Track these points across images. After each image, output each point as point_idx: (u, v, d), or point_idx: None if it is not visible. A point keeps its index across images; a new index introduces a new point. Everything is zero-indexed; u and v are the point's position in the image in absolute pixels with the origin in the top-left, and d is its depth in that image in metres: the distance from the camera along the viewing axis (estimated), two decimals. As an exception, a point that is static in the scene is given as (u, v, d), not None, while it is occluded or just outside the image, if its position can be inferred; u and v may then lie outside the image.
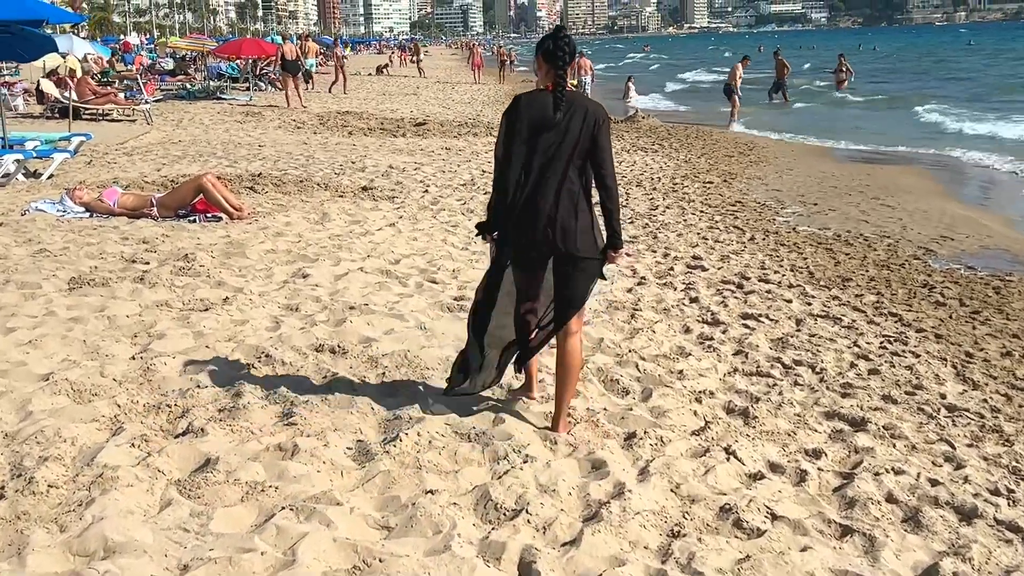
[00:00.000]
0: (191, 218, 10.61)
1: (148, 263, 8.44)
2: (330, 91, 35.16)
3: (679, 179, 15.71)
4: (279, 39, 51.79)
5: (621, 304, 8.04)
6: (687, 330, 7.44)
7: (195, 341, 6.37)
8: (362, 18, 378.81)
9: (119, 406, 5.21)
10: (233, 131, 21.53)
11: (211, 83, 33.77)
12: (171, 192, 11.02)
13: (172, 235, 9.64)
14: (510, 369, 5.45)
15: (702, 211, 12.86)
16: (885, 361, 6.90)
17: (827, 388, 6.27)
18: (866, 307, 8.27)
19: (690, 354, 6.78)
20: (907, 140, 22.10)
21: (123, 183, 12.88)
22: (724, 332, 7.39)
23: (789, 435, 5.44)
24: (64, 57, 27.25)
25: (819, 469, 4.99)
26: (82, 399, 5.34)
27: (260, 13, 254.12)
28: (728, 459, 4.98)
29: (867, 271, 9.54)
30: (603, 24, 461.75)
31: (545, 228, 4.81)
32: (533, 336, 5.22)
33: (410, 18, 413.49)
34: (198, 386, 5.56)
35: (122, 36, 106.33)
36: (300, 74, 28.75)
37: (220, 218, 10.65)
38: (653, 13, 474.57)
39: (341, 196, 12.77)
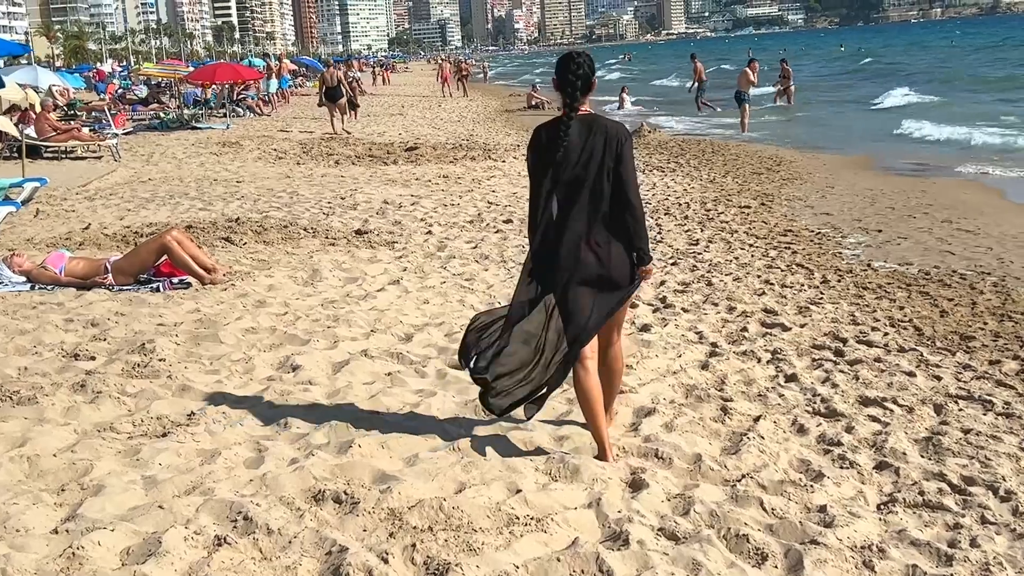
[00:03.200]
0: (154, 285, 8.79)
1: (94, 358, 6.62)
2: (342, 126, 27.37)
3: (710, 204, 13.93)
4: (257, 61, 50.19)
5: (703, 390, 6.24)
6: (801, 430, 5.64)
7: (145, 496, 4.55)
8: (340, 36, 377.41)
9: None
10: (209, 165, 19.71)
11: (186, 112, 31.91)
12: (129, 255, 9.18)
13: (129, 313, 7.81)
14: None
15: (752, 244, 11.08)
16: (1080, 468, 5.13)
17: (1029, 525, 4.49)
18: (1013, 380, 6.49)
19: (822, 474, 4.99)
20: (950, 151, 20.28)
21: (76, 240, 11.04)
22: (849, 430, 5.60)
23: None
24: (25, 90, 25.35)
25: None
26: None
27: (237, 35, 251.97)
28: None
29: (985, 323, 7.77)
30: (581, 34, 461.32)
31: (580, 254, 4.82)
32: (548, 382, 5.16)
33: (388, 35, 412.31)
34: (144, 589, 3.76)
35: (97, 64, 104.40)
36: (343, 100, 26.77)
37: (189, 284, 8.84)
38: (631, 21, 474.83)
39: (333, 244, 10.96)
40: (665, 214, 13.21)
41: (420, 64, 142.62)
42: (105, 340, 7.04)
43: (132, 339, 7.02)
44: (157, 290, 8.68)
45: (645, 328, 7.71)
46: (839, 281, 9.30)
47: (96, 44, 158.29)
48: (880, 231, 11.64)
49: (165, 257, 8.94)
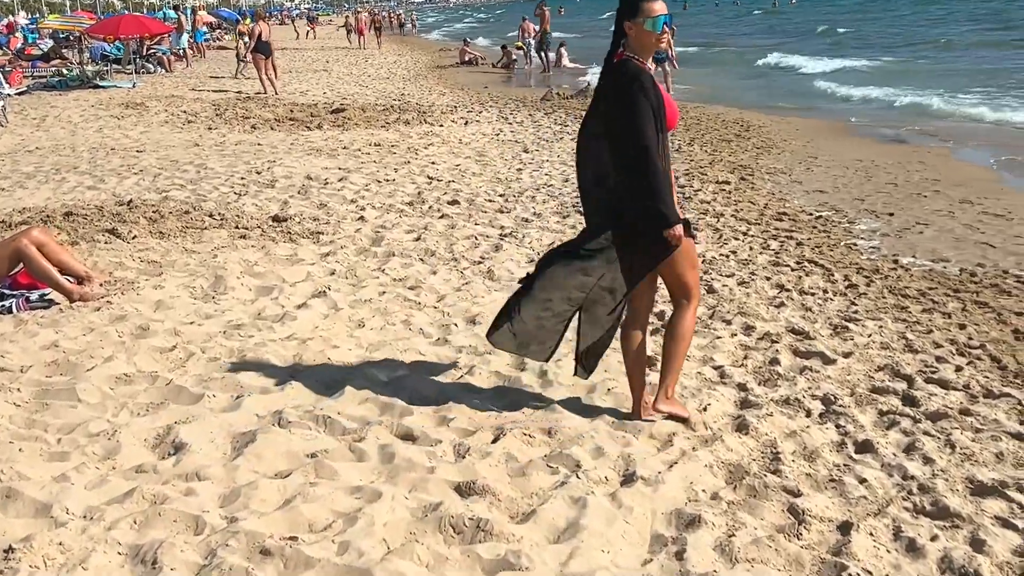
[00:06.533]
0: (5, 303, 6.77)
1: None
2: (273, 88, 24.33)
3: (683, 179, 12.10)
4: (172, 14, 47.17)
5: (754, 475, 4.46)
6: (912, 548, 3.89)
7: None
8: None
9: None
10: (108, 131, 17.40)
11: (89, 69, 29.23)
12: (-27, 262, 7.12)
13: (-42, 352, 5.82)
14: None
15: (746, 233, 9.32)
16: None
17: None
18: None
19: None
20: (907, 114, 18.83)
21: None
22: (977, 544, 3.88)
23: None
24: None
25: None
26: None
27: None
28: None
29: (1079, 348, 6.12)
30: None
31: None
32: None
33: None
34: None
35: (9, 16, 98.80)
36: (271, 57, 24.27)
37: (52, 301, 6.85)
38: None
39: (243, 236, 8.97)
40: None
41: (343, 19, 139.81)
42: (-89, 402, 5.05)
43: (-50, 400, 5.05)
44: (9, 311, 6.67)
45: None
46: (868, 285, 7.58)
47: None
48: (892, 215, 9.93)
49: (22, 266, 6.93)
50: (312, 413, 4.98)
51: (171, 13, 49.52)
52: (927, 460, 4.62)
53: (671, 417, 5.00)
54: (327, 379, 5.51)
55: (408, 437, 4.81)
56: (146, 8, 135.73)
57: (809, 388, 5.55)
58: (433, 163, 13.51)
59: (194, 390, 5.27)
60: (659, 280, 4.97)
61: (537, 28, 32.25)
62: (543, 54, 31.98)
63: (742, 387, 5.57)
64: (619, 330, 4.97)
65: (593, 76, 27.63)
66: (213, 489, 4.21)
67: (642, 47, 4.54)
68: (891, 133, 16.37)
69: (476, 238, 9.13)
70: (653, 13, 4.47)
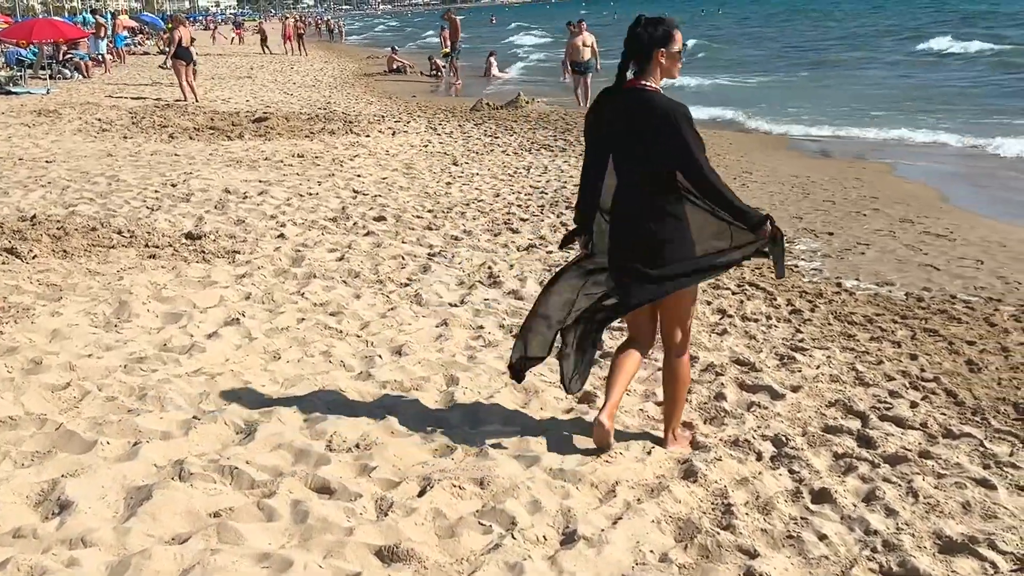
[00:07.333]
0: None
1: None
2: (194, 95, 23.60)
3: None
4: (91, 18, 45.89)
5: (706, 532, 4.07)
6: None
7: None
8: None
9: None
10: (17, 139, 16.57)
11: (2, 74, 28.13)
12: None
13: None
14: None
15: (683, 253, 8.97)
16: None
17: None
18: None
19: None
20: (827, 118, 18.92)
21: None
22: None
23: None
24: None
25: None
26: None
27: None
28: None
29: (1034, 379, 5.85)
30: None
31: None
32: None
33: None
34: None
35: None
36: (192, 64, 23.48)
37: (-65, 330, 6.24)
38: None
39: (153, 256, 8.40)
40: (567, 208, 11.02)
41: (274, 24, 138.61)
42: None
43: None
44: None
45: (581, 399, 5.51)
46: (812, 311, 7.27)
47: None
48: (831, 234, 9.65)
49: (-98, 291, 6.31)
50: (217, 463, 4.48)
51: (90, 17, 48.25)
52: (889, 511, 4.27)
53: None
54: (236, 421, 5.01)
55: (324, 490, 4.34)
56: (67, 12, 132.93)
57: (758, 427, 5.19)
58: (359, 176, 13.01)
59: (86, 436, 4.74)
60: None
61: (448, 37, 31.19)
62: (450, 63, 30.51)
63: (687, 426, 5.19)
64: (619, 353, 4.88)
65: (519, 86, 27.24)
66: (100, 558, 3.70)
67: (667, 74, 4.57)
68: (814, 143, 16.34)
69: (403, 258, 8.68)
70: (680, 41, 4.55)
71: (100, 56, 34.69)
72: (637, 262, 4.55)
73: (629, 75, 4.55)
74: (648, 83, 4.51)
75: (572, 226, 4.94)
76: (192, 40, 23.96)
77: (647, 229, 4.52)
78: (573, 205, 4.77)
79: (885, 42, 41.13)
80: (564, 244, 4.97)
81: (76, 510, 4.03)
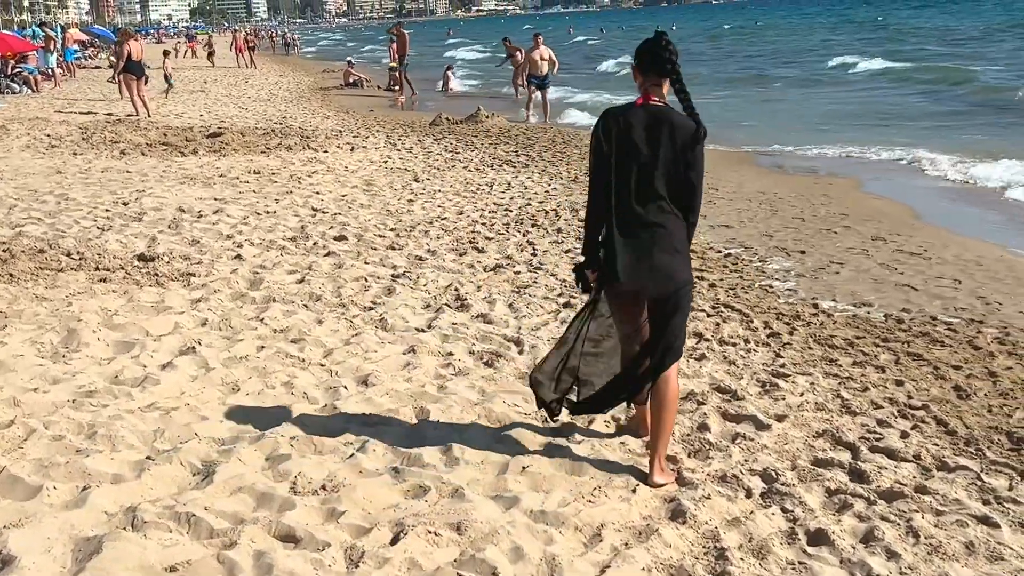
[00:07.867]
0: None
1: None
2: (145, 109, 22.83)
3: (583, 211, 11.52)
4: (40, 31, 45.07)
5: (685, 568, 3.83)
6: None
7: None
8: (138, 5, 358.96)
9: None
10: (-39, 156, 16.06)
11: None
12: None
13: None
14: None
15: (654, 272, 8.74)
16: None
17: None
18: None
19: None
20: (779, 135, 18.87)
21: None
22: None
23: None
24: None
25: None
26: None
27: (27, 3, 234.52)
28: None
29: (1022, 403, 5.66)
30: (391, 8, 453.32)
31: None
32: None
33: (190, 5, 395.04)
34: None
35: None
36: (144, 78, 22.99)
37: None
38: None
39: (104, 280, 8.03)
40: (533, 226, 10.76)
41: (226, 37, 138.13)
42: None
43: None
44: None
45: (559, 431, 5.25)
46: (791, 334, 7.06)
47: None
48: (804, 252, 9.47)
49: None
50: (173, 509, 4.16)
51: (39, 31, 47.41)
52: (891, 554, 4.04)
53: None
54: (193, 461, 4.69)
55: (290, 539, 4.03)
56: (16, 26, 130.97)
57: (746, 461, 4.95)
58: (318, 193, 12.68)
59: (31, 480, 4.40)
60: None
61: (396, 51, 30.75)
62: (400, 76, 30.12)
63: (672, 459, 4.94)
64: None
65: (482, 101, 26.98)
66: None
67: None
68: (774, 158, 16.24)
69: (366, 279, 8.37)
70: None
71: (50, 70, 34.03)
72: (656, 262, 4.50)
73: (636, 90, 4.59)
74: (660, 100, 4.53)
75: (569, 243, 4.86)
76: (142, 52, 23.46)
77: (665, 239, 4.51)
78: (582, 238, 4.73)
79: (810, 58, 41.53)
80: (584, 286, 4.71)
81: (19, 566, 3.69)
